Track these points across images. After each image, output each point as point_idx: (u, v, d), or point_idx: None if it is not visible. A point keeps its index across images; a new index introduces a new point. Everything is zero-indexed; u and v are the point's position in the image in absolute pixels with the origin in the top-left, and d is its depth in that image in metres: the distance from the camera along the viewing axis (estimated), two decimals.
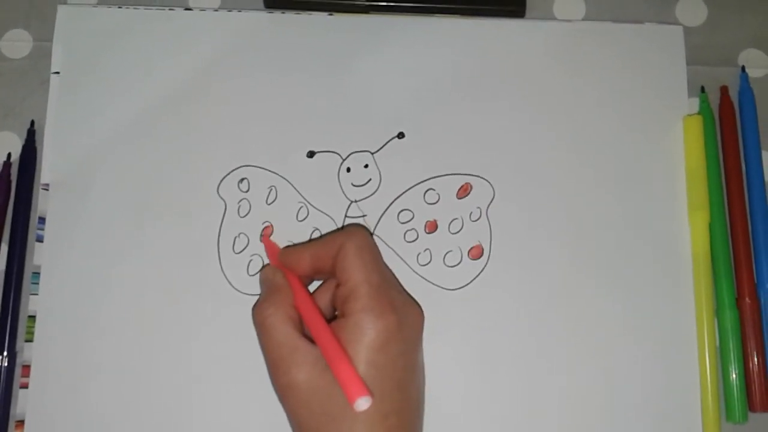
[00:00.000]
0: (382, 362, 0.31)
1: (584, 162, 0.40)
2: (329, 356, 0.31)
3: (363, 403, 0.30)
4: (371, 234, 0.39)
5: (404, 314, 0.33)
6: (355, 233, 0.35)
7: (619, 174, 0.40)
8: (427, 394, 0.35)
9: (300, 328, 0.33)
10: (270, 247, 0.38)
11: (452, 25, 0.42)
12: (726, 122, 0.41)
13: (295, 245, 0.38)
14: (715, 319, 0.39)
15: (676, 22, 0.43)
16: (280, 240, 0.39)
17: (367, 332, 0.31)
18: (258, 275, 0.38)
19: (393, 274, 0.37)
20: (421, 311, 0.35)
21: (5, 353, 0.37)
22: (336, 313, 0.36)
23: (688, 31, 0.42)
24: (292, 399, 0.32)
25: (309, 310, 0.33)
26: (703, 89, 0.41)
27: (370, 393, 0.30)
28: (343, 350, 0.31)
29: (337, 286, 0.34)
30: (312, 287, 0.37)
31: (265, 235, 0.39)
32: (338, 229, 0.39)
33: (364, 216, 0.39)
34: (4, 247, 0.38)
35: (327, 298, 0.36)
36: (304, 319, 0.33)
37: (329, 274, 0.35)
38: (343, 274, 0.33)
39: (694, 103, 0.41)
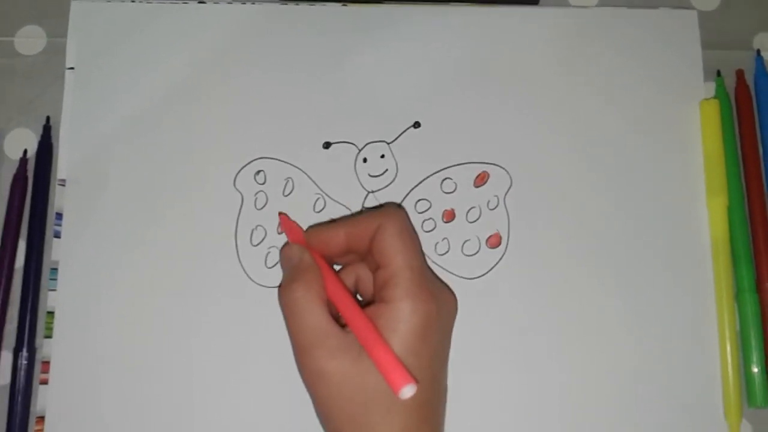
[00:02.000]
0: (422, 352, 0.30)
1: (601, 148, 0.40)
2: (367, 342, 0.30)
3: (408, 391, 0.29)
4: (407, 214, 0.37)
5: (442, 302, 0.32)
6: (395, 214, 0.33)
7: (636, 160, 0.40)
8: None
9: (331, 311, 0.32)
10: (290, 227, 0.37)
11: (466, 13, 0.42)
12: (743, 106, 0.41)
13: (323, 223, 0.38)
14: (735, 304, 0.38)
15: (690, 7, 0.43)
16: None
17: (408, 320, 0.30)
18: (277, 265, 0.38)
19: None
20: (456, 299, 0.34)
21: (25, 349, 0.37)
22: (359, 295, 0.35)
23: (702, 15, 0.42)
24: (321, 386, 0.31)
25: (341, 293, 0.32)
26: (719, 73, 0.41)
27: (415, 380, 0.29)
28: (381, 336, 0.30)
29: (376, 268, 0.33)
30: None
31: (283, 215, 0.38)
32: (374, 208, 0.39)
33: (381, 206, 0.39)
34: (23, 244, 0.38)
35: (351, 281, 0.35)
36: (335, 303, 0.32)
37: (362, 255, 0.34)
38: (383, 257, 0.32)
39: (710, 88, 0.41)
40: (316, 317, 0.31)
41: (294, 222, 0.37)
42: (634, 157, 0.40)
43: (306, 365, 0.31)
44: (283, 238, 0.39)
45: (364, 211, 0.38)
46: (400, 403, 0.29)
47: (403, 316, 0.30)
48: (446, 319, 0.33)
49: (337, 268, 0.36)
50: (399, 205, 0.39)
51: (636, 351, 0.38)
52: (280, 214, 0.38)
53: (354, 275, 0.35)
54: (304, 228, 0.37)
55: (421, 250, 0.34)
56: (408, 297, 0.31)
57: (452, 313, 0.34)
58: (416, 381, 0.29)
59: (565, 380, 0.38)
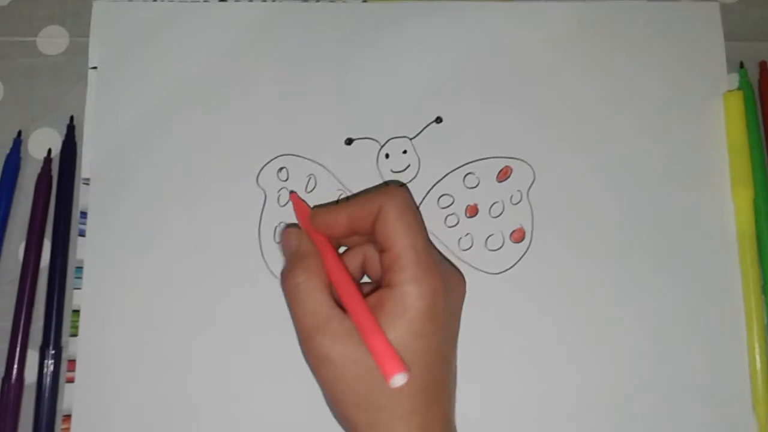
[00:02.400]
0: (430, 333, 0.30)
1: (624, 142, 0.40)
2: (363, 329, 0.30)
3: (399, 380, 0.29)
4: (411, 194, 0.36)
5: (450, 283, 0.32)
6: (396, 193, 0.33)
7: (659, 153, 0.40)
8: (470, 377, 0.35)
9: (333, 296, 0.32)
10: (300, 207, 0.37)
11: (487, 7, 0.41)
12: (766, 97, 0.40)
13: (327, 204, 0.38)
14: (763, 297, 0.38)
15: None
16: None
17: (415, 303, 0.30)
18: None
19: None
20: (464, 279, 0.34)
21: (51, 348, 0.37)
22: (365, 277, 0.35)
23: (724, 6, 0.42)
24: (326, 371, 0.31)
25: (341, 277, 0.32)
26: (742, 65, 0.41)
27: (407, 368, 0.29)
28: (377, 323, 0.30)
29: (381, 251, 0.32)
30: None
31: (294, 194, 0.38)
32: (375, 187, 0.39)
33: None
34: (47, 243, 0.39)
35: (358, 261, 0.34)
36: (336, 288, 0.32)
37: (365, 236, 0.34)
38: (386, 240, 0.32)
39: (734, 79, 0.41)
40: (317, 302, 0.31)
41: (304, 202, 0.37)
42: (658, 150, 0.40)
43: (310, 351, 0.31)
44: None
45: (367, 192, 0.38)
46: (407, 384, 0.29)
47: (409, 300, 0.30)
48: (454, 299, 0.32)
49: (344, 249, 0.36)
50: (402, 184, 0.38)
51: (662, 346, 0.38)
52: (291, 193, 0.38)
53: (361, 256, 0.34)
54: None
55: (425, 230, 0.33)
56: (414, 280, 0.30)
57: (460, 293, 0.34)
58: (407, 369, 0.29)
59: (590, 375, 0.37)
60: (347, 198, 0.39)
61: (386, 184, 0.39)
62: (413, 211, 0.33)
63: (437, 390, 0.31)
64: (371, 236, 0.33)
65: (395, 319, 0.30)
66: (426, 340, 0.30)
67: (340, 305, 0.31)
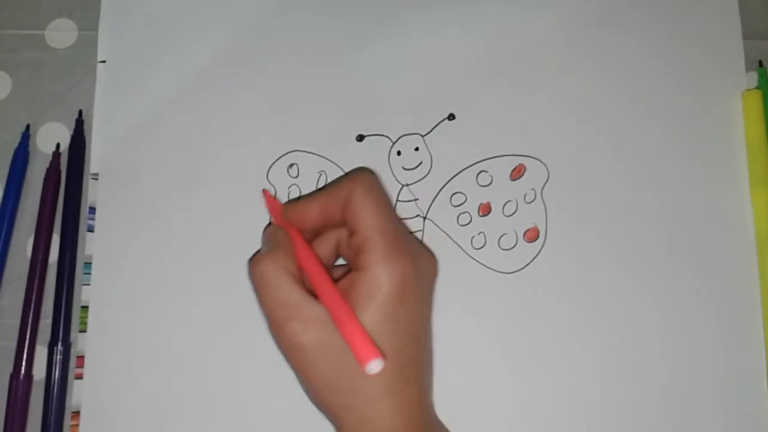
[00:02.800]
0: (401, 314, 0.30)
1: (640, 140, 0.39)
2: (336, 316, 0.30)
3: (375, 366, 0.29)
4: (378, 178, 0.35)
5: (420, 263, 0.32)
6: (362, 178, 0.33)
7: (677, 152, 0.39)
8: (484, 376, 0.35)
9: (302, 283, 0.31)
10: (271, 203, 0.37)
11: (501, 2, 0.41)
12: None
13: (298, 198, 0.37)
14: None
15: None
16: None
17: (384, 284, 0.30)
18: None
19: (401, 219, 0.34)
20: (435, 258, 0.34)
21: (60, 344, 0.37)
22: (342, 259, 0.35)
23: (743, 4, 0.41)
24: (299, 357, 0.30)
25: (312, 265, 0.32)
26: (761, 63, 0.40)
27: (382, 355, 0.29)
28: (350, 309, 0.30)
29: (351, 235, 0.32)
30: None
31: (266, 191, 0.38)
32: (343, 176, 0.38)
33: (416, 200, 0.39)
34: (56, 238, 0.38)
35: (330, 247, 0.34)
36: (307, 275, 0.32)
37: (339, 224, 0.33)
38: (354, 222, 0.31)
39: (752, 78, 0.40)
40: (284, 290, 0.31)
41: (275, 199, 0.38)
42: (675, 149, 0.39)
43: (281, 338, 0.31)
44: None
45: (336, 181, 0.37)
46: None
47: (378, 281, 0.30)
48: (425, 279, 0.32)
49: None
50: (368, 169, 0.38)
51: (678, 348, 0.37)
52: (263, 191, 0.38)
53: (336, 238, 0.34)
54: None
55: (394, 211, 0.33)
56: (382, 261, 0.30)
57: (431, 272, 0.33)
58: (383, 355, 0.29)
59: (605, 375, 0.37)
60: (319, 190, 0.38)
61: (355, 171, 0.38)
62: (380, 193, 0.33)
63: (412, 370, 0.31)
64: (342, 224, 0.33)
65: (366, 302, 0.30)
66: (396, 322, 0.30)
67: (311, 292, 0.31)
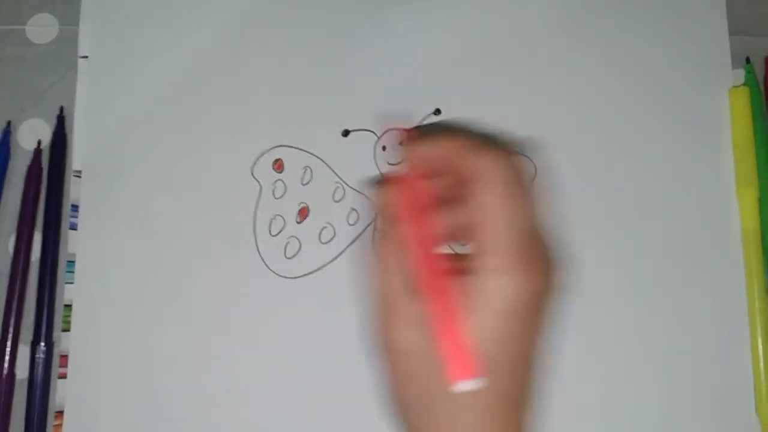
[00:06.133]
0: (518, 336, 0.25)
1: (626, 138, 0.39)
2: (436, 319, 0.25)
3: (465, 386, 0.24)
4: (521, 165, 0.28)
5: (550, 279, 0.26)
6: (501, 164, 0.26)
7: (663, 150, 0.39)
8: None
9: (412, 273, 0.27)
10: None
11: None
12: None
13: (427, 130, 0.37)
14: (767, 297, 0.38)
15: None
16: (318, 221, 0.38)
17: (506, 298, 0.25)
18: (297, 255, 0.37)
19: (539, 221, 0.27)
20: (563, 273, 0.28)
21: (42, 343, 0.37)
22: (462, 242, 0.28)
23: (730, 0, 0.41)
24: (386, 357, 0.27)
25: (423, 255, 0.27)
26: (748, 60, 0.40)
27: (479, 374, 0.24)
28: (455, 315, 0.25)
29: (475, 226, 0.26)
30: None
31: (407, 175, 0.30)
32: (479, 137, 0.32)
33: None
34: (38, 236, 0.38)
35: (452, 222, 0.28)
36: (418, 266, 0.27)
37: (451, 178, 0.28)
38: (480, 216, 0.26)
39: (738, 75, 0.40)
40: (396, 282, 0.27)
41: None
42: (661, 147, 0.39)
43: (376, 332, 0.27)
44: (302, 229, 0.38)
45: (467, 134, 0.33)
46: (481, 391, 0.25)
47: (501, 292, 0.25)
48: (550, 299, 0.27)
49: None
50: (511, 151, 0.31)
51: (665, 346, 0.37)
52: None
53: (458, 217, 0.28)
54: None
55: (532, 211, 0.27)
56: (509, 271, 0.25)
57: (555, 290, 0.27)
58: (482, 376, 0.24)
59: (593, 375, 0.37)
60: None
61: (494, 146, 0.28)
62: (518, 187, 0.26)
63: (509, 407, 0.26)
64: (457, 186, 0.27)
65: (478, 310, 0.25)
66: (510, 344, 0.25)
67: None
